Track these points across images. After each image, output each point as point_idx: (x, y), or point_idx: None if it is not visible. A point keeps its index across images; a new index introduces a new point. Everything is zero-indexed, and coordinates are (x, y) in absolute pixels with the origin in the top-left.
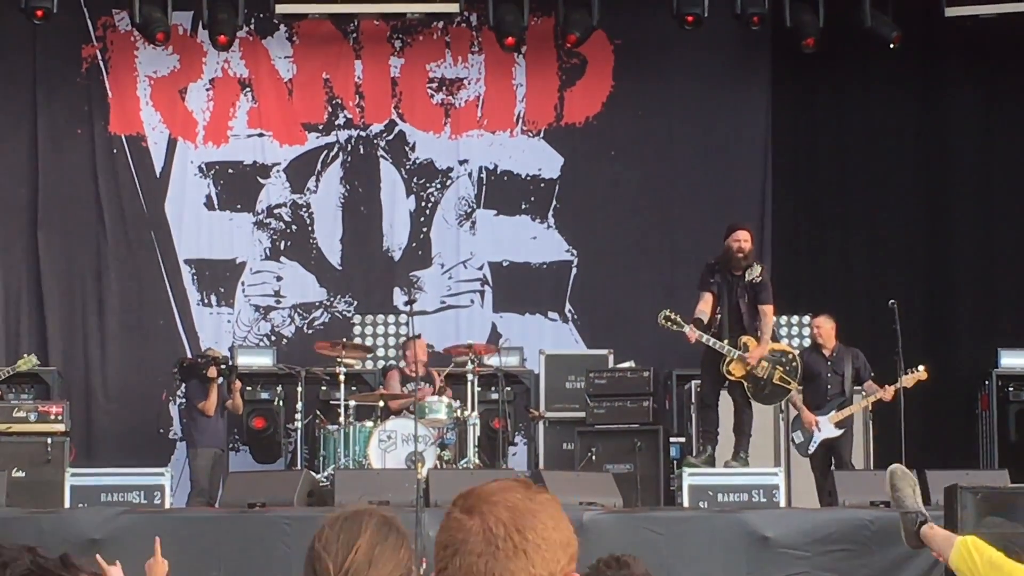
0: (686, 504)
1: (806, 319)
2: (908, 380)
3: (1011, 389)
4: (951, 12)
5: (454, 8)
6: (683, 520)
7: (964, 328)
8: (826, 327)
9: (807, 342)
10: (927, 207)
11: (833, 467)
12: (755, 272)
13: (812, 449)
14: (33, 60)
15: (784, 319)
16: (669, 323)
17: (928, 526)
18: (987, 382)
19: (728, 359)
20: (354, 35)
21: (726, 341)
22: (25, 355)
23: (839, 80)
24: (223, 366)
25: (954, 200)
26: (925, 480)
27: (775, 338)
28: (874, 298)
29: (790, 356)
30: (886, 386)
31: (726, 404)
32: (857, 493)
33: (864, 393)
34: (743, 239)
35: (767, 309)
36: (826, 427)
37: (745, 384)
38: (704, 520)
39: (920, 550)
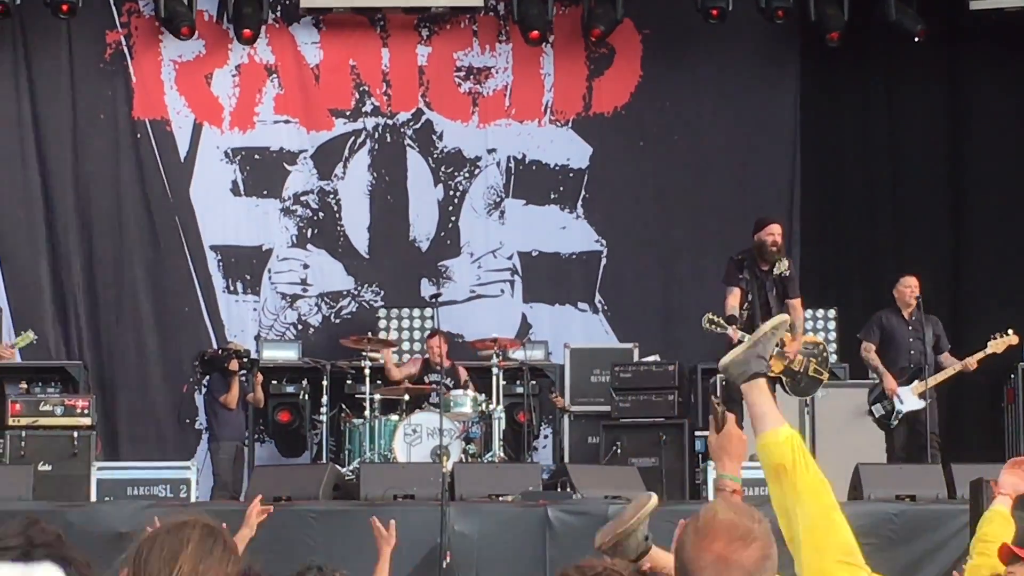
0: (711, 498)
1: (832, 312)
2: (999, 345)
3: None
4: (976, 5)
5: (477, 4)
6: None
7: (990, 321)
8: (911, 284)
9: (832, 335)
10: (953, 200)
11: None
12: (783, 266)
13: (895, 423)
14: (70, 48)
15: (810, 312)
16: (713, 326)
17: (760, 380)
18: (1012, 375)
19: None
20: (381, 23)
21: None
22: (24, 331)
23: (865, 74)
24: (244, 359)
25: (980, 193)
26: (951, 473)
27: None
28: (885, 295)
29: (820, 347)
30: (969, 358)
31: None
32: (883, 486)
33: (944, 365)
34: (776, 232)
35: (796, 303)
36: (909, 398)
37: (783, 379)
38: None
39: None
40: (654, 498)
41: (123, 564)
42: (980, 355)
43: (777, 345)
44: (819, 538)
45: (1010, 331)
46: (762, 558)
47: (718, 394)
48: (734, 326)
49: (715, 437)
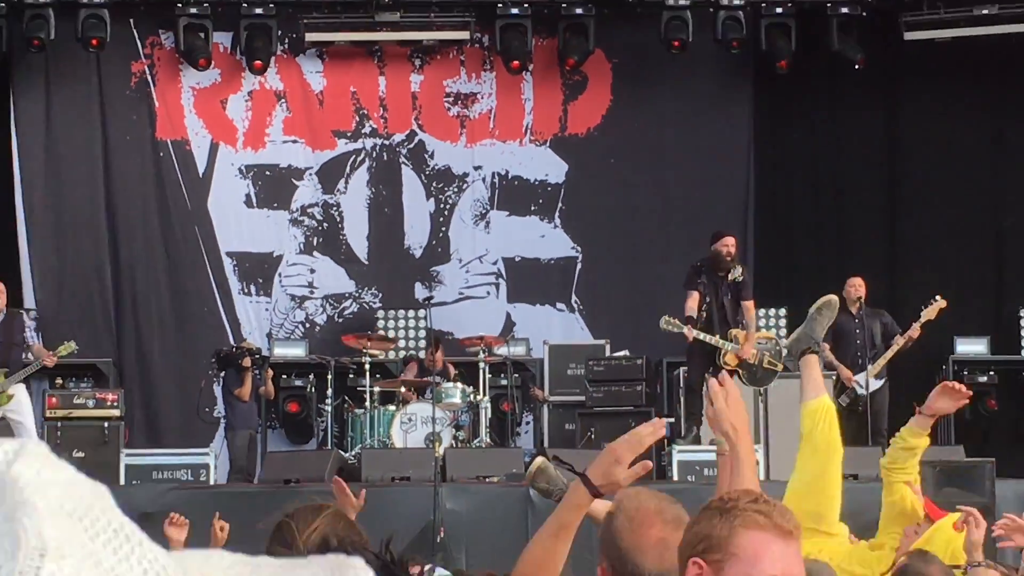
0: (675, 478)
1: (783, 311)
2: (931, 311)
3: (965, 373)
4: (910, 36)
5: (464, 36)
6: (673, 492)
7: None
8: (856, 284)
9: (783, 332)
10: (889, 212)
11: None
12: (737, 272)
13: (861, 406)
14: (99, 77)
15: (764, 312)
16: (670, 326)
17: (812, 356)
18: (944, 367)
19: (723, 351)
20: (378, 54)
21: (717, 336)
22: (67, 341)
23: (812, 98)
24: (256, 356)
25: (912, 204)
26: None
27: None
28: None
29: (773, 342)
30: (913, 325)
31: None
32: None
33: (895, 344)
34: (730, 244)
35: (749, 304)
36: (871, 382)
37: (740, 372)
38: (692, 492)
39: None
40: (538, 460)
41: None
42: (917, 323)
43: (732, 340)
44: (798, 498)
45: (938, 297)
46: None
47: (682, 386)
48: (688, 326)
49: (711, 410)
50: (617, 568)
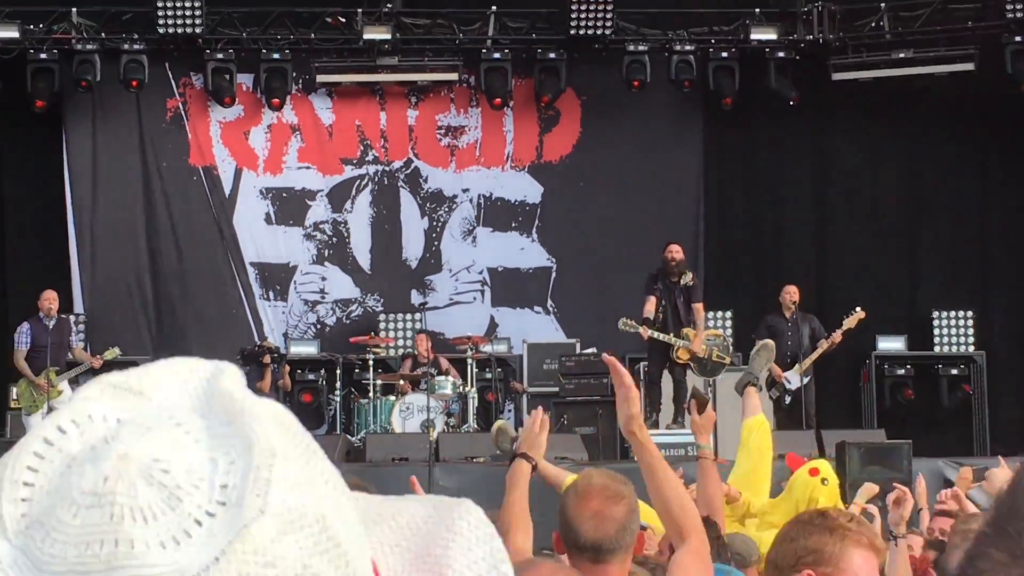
0: (636, 459)
1: (729, 313)
2: (852, 320)
3: (886, 367)
4: (837, 77)
5: (453, 77)
6: (635, 470)
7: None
8: (791, 291)
9: (729, 330)
10: (819, 228)
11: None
12: (687, 278)
13: (789, 400)
14: (139, 113)
15: (713, 313)
16: (627, 327)
17: (753, 388)
18: (867, 361)
19: (676, 347)
20: (379, 92)
21: (671, 334)
22: (111, 347)
23: (753, 129)
24: (275, 354)
25: (839, 222)
26: (821, 437)
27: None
28: (775, 296)
29: (721, 338)
30: (833, 334)
31: (667, 380)
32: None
33: (820, 347)
34: (675, 251)
35: (699, 306)
36: (794, 378)
37: (692, 365)
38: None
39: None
40: (498, 423)
41: None
42: (839, 332)
43: (684, 338)
44: (738, 485)
45: (857, 308)
46: (629, 511)
47: (643, 378)
48: (643, 326)
49: (698, 418)
50: (564, 534)
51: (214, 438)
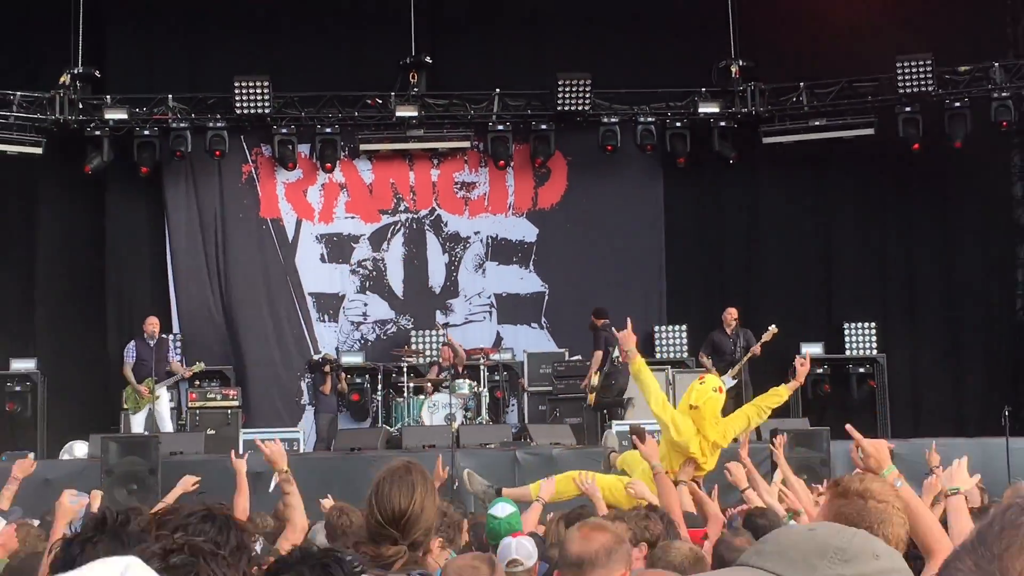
0: (608, 443)
1: (684, 327)
2: (767, 335)
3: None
4: (767, 140)
5: (466, 144)
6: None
7: (779, 328)
8: (731, 312)
9: (685, 342)
10: (751, 259)
11: None
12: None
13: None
14: (220, 175)
15: (668, 327)
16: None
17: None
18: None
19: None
20: (408, 157)
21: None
22: (198, 361)
23: (702, 183)
24: (334, 364)
25: (768, 254)
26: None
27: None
28: (720, 314)
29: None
30: (753, 347)
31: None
32: None
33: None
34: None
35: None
36: (728, 381)
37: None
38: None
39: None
40: (464, 472)
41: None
42: (758, 345)
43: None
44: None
45: (771, 327)
46: (616, 540)
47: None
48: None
49: (643, 447)
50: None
51: None
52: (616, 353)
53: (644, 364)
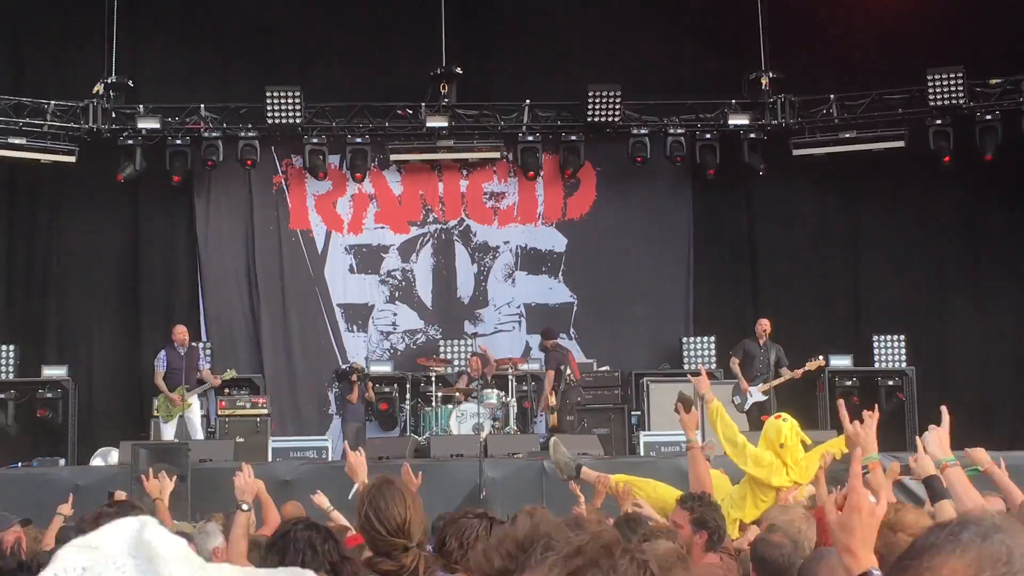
0: (642, 454)
1: (713, 339)
2: (812, 365)
3: (836, 379)
4: (797, 152)
5: (496, 155)
6: (641, 463)
7: (808, 340)
8: (764, 323)
9: (714, 354)
10: (782, 271)
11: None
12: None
13: (747, 407)
14: (249, 186)
15: (696, 338)
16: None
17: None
18: (822, 375)
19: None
20: (438, 168)
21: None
22: (228, 369)
23: (732, 194)
24: (361, 373)
25: (800, 265)
26: None
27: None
28: (750, 325)
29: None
30: (796, 370)
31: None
32: None
33: (782, 375)
34: (570, 360)
35: (549, 373)
36: (756, 394)
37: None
38: (652, 463)
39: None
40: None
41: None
42: (801, 370)
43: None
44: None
45: (820, 357)
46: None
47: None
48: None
49: (685, 416)
50: None
51: (140, 574)
52: (568, 372)
53: (721, 406)
